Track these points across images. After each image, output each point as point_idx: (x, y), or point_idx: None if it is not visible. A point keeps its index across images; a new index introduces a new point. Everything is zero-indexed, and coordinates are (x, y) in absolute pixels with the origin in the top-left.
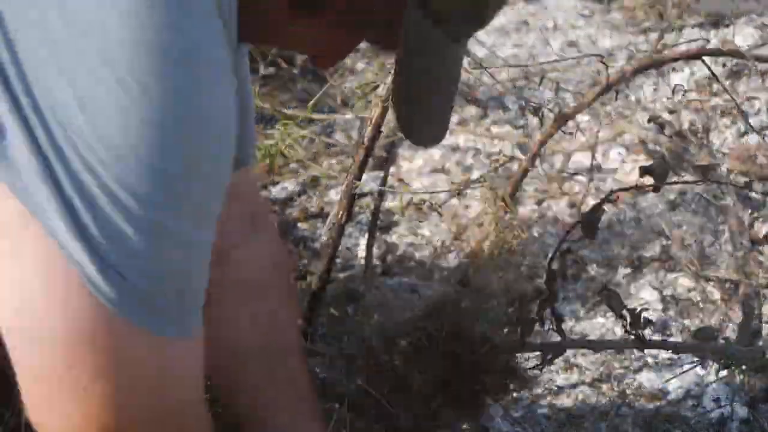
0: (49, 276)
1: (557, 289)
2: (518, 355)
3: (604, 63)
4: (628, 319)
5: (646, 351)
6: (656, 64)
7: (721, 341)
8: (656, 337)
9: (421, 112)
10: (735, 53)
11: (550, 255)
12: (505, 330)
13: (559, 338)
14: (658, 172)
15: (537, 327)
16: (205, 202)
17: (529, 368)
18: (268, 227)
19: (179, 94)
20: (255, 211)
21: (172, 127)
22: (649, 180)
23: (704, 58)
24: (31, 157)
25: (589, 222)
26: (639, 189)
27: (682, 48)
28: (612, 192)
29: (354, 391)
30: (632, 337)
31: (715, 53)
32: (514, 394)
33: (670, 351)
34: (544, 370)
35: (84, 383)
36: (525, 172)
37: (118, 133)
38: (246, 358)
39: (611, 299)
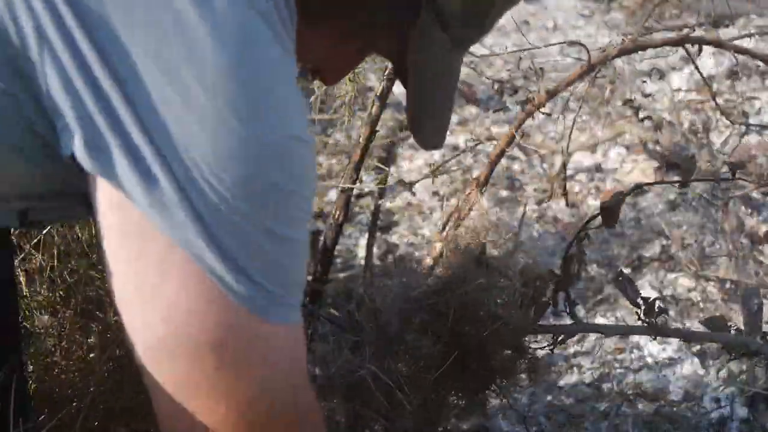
0: (195, 291)
1: (574, 273)
2: (527, 337)
3: (583, 45)
4: (642, 307)
5: (646, 351)
6: (640, 48)
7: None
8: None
9: (426, 113)
10: (717, 42)
11: (570, 240)
12: (517, 310)
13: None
14: (685, 167)
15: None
16: (304, 210)
17: (539, 348)
18: None
19: (277, 124)
20: None
21: (281, 153)
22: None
23: (703, 56)
24: (175, 197)
25: (611, 210)
26: (665, 183)
27: (669, 34)
28: (637, 186)
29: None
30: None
31: (698, 41)
32: (519, 382)
33: (666, 349)
34: (552, 365)
35: (231, 380)
36: (501, 153)
37: (240, 162)
38: None
39: (626, 286)
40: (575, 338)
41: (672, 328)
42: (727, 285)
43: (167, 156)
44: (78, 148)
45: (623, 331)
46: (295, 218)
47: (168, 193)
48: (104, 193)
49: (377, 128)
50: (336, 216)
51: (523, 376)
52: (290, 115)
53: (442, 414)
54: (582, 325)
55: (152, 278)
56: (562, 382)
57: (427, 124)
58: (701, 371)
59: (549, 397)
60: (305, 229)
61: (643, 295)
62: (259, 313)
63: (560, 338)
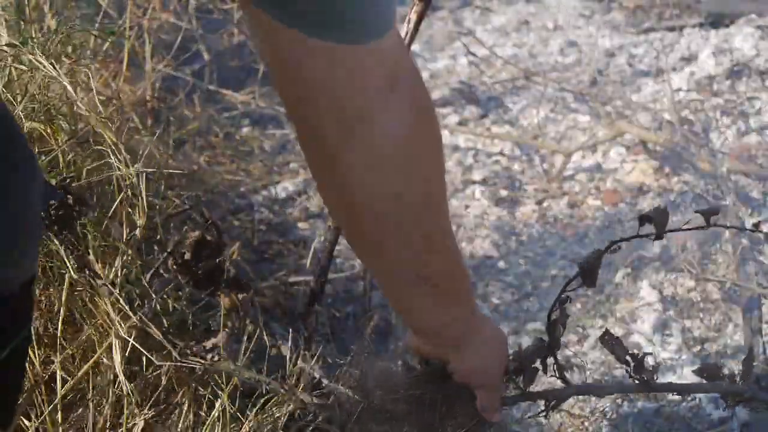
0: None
1: (559, 337)
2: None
3: None
4: (632, 364)
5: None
6: None
7: (727, 372)
8: (657, 336)
9: None
10: None
11: (552, 305)
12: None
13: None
14: (658, 220)
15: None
16: None
17: (530, 416)
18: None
19: None
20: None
21: None
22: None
23: (703, 56)
24: None
25: (589, 270)
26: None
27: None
28: (613, 243)
29: None
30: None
31: None
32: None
33: (666, 350)
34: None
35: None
36: None
37: None
38: None
39: (612, 345)
40: (575, 338)
41: (665, 383)
42: (728, 285)
43: None
44: None
45: (616, 391)
46: None
47: None
48: None
49: None
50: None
51: None
52: None
53: None
54: (574, 388)
55: None
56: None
57: None
58: None
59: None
60: None
61: (642, 296)
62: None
63: (553, 403)
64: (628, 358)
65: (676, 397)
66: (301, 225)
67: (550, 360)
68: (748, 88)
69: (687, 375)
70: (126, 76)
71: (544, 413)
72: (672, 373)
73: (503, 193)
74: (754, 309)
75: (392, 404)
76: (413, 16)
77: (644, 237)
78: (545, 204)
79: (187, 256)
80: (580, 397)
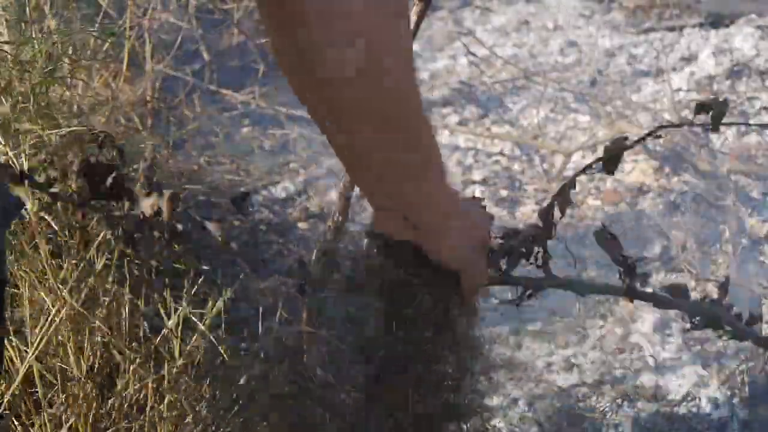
0: None
1: (553, 224)
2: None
3: None
4: (623, 267)
5: (647, 351)
6: None
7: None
8: (657, 336)
9: None
10: None
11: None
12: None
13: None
14: (717, 110)
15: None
16: None
17: (503, 302)
18: None
19: None
20: None
21: None
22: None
23: (703, 56)
24: None
25: (614, 155)
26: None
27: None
28: (660, 127)
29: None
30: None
31: None
32: (513, 395)
33: (666, 349)
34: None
35: None
36: None
37: None
38: None
39: (608, 243)
40: (575, 338)
41: (647, 292)
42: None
43: None
44: None
45: (599, 291)
46: None
47: None
48: None
49: None
50: (336, 218)
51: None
52: None
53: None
54: (554, 280)
55: None
56: (562, 382)
57: None
58: (701, 371)
59: (549, 397)
60: None
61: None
62: None
63: (529, 292)
64: (620, 258)
65: (677, 397)
66: (301, 225)
67: (537, 248)
68: (748, 88)
69: (687, 375)
70: (126, 76)
71: (517, 301)
72: (672, 374)
73: (503, 193)
74: (754, 309)
75: (358, 285)
76: (413, 16)
77: (700, 126)
78: (545, 204)
79: (76, 186)
80: (580, 396)
